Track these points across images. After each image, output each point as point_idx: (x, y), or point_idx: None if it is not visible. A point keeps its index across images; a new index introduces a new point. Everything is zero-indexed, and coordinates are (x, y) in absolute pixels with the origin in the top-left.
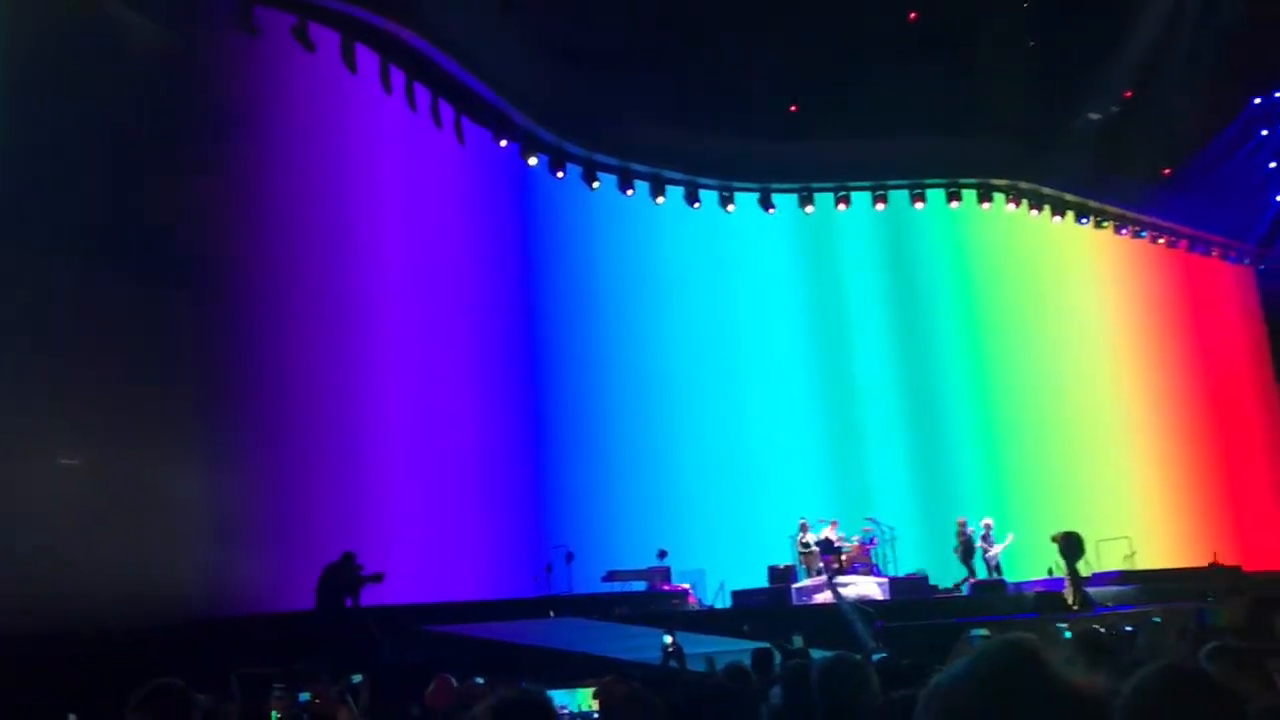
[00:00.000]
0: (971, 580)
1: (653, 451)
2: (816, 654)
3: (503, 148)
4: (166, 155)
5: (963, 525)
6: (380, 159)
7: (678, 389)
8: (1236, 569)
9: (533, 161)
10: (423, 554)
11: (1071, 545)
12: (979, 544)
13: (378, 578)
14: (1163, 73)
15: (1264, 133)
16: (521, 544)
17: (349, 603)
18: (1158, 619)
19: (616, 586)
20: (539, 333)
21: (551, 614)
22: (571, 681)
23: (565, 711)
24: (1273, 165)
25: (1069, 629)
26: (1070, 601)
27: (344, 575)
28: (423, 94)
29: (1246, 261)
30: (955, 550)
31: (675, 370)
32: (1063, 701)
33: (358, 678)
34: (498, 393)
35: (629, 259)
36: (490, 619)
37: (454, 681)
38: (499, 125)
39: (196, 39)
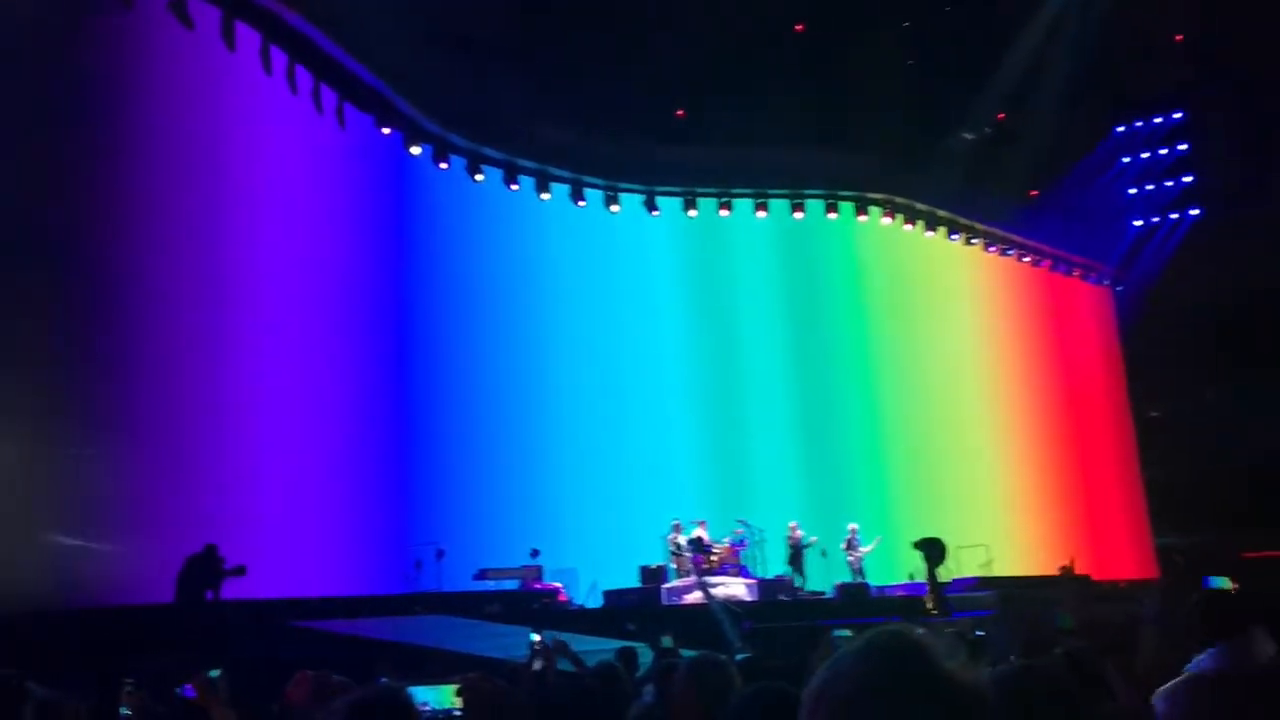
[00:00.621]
0: (831, 583)
1: (529, 450)
2: (686, 653)
3: (385, 135)
4: (30, 131)
5: (793, 529)
6: (257, 142)
7: (557, 387)
8: (1086, 578)
9: (415, 151)
10: (288, 548)
11: (933, 551)
12: (843, 548)
13: (240, 570)
14: (1034, 98)
15: (1125, 160)
16: (392, 540)
17: (210, 596)
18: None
19: (488, 585)
20: (416, 325)
21: (419, 610)
22: (437, 679)
23: (427, 708)
24: (1132, 192)
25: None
26: (929, 605)
27: (205, 568)
28: (304, 77)
29: (1105, 283)
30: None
31: (554, 368)
32: (948, 692)
33: (215, 672)
34: (372, 385)
35: (511, 253)
36: (356, 615)
37: (315, 677)
38: (382, 112)
39: (67, 9)
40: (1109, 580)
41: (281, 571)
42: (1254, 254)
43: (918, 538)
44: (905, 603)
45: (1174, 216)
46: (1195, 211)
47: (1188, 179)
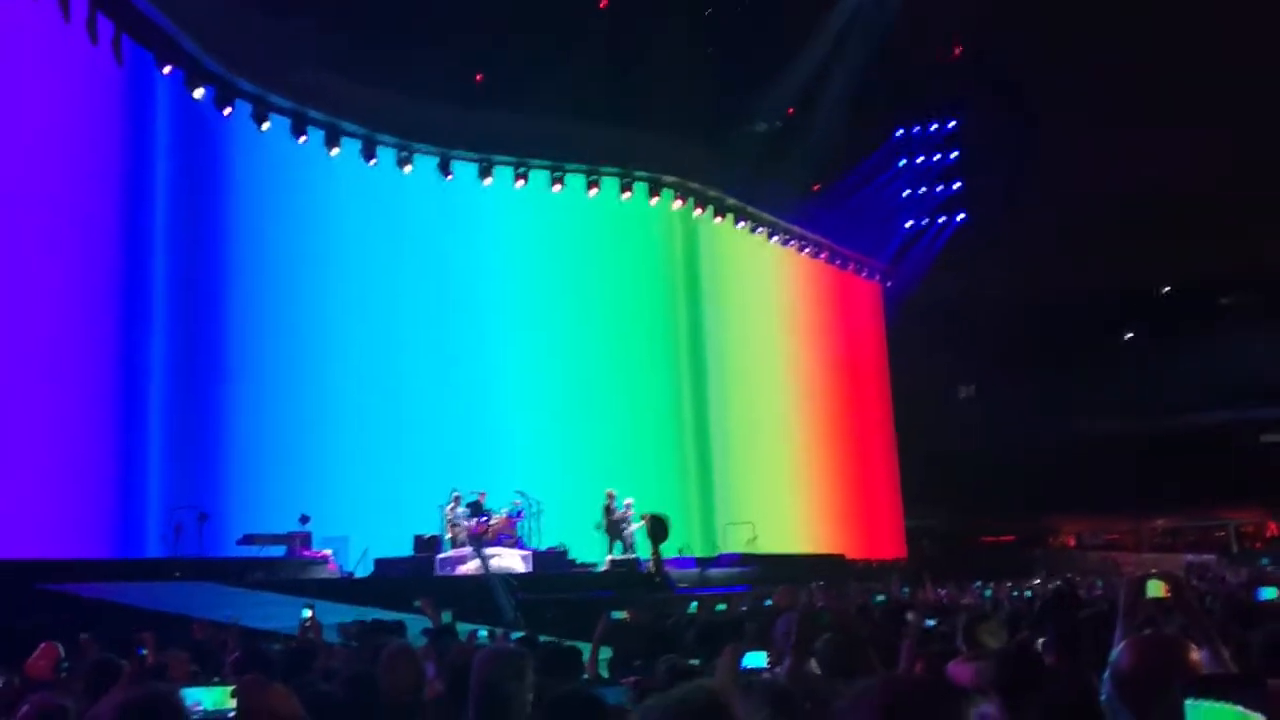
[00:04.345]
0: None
1: (303, 413)
2: (463, 627)
3: (166, 75)
4: None
5: (611, 498)
6: (19, 75)
7: (336, 349)
8: (840, 556)
9: (198, 94)
10: (40, 508)
11: (657, 527)
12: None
13: None
14: (822, 96)
15: (902, 163)
16: (151, 502)
17: None
18: (769, 602)
19: (253, 551)
20: (189, 280)
21: (178, 575)
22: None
23: (198, 709)
24: (906, 194)
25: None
26: (655, 578)
27: None
28: (79, 3)
29: (876, 278)
30: (598, 526)
31: (335, 330)
32: None
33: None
34: (139, 338)
35: (299, 211)
36: (109, 579)
37: (61, 649)
38: (163, 49)
39: None
40: (863, 560)
41: (31, 532)
42: (1007, 262)
43: (652, 513)
44: (645, 577)
45: (941, 220)
46: (961, 217)
47: (956, 185)
